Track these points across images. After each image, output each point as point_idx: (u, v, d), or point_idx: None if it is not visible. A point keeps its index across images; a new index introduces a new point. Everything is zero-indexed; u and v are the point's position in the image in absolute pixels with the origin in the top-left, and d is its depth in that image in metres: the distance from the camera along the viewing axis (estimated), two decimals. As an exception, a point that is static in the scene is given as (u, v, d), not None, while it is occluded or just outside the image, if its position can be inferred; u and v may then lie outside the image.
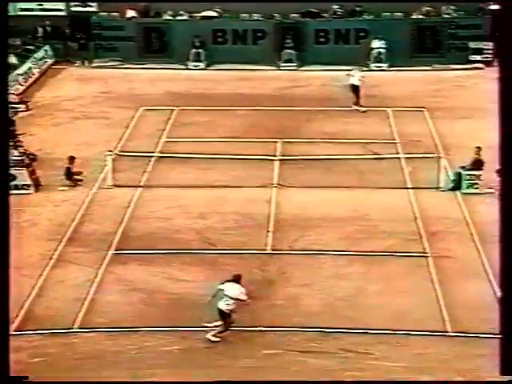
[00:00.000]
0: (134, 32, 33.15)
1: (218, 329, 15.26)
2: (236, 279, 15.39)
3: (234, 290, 15.19)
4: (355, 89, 27.25)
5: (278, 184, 21.82)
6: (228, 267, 17.82)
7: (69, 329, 15.72)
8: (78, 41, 33.42)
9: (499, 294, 16.52)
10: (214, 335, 15.26)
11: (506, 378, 9.41)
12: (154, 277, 17.53)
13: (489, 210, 20.44)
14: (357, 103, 27.23)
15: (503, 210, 8.93)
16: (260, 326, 15.72)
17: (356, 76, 27.31)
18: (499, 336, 8.91)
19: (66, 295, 16.92)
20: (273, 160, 22.91)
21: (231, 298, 15.11)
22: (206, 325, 15.32)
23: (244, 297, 15.22)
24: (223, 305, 15.13)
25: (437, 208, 20.54)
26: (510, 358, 8.86)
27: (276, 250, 18.61)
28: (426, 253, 18.39)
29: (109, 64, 32.98)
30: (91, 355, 15.01)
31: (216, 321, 15.28)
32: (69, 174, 22.12)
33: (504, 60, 9.19)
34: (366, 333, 15.52)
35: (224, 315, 15.18)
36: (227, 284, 15.31)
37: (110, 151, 22.75)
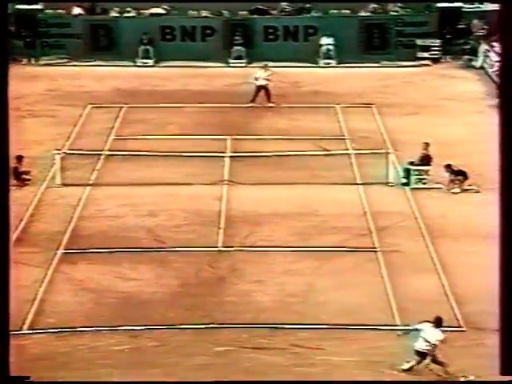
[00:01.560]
0: (80, 29, 32.77)
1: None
2: (438, 322, 14.47)
3: (432, 333, 14.34)
4: (264, 89, 27.29)
5: (229, 181, 21.82)
6: (178, 265, 17.81)
7: (18, 330, 15.49)
8: (23, 39, 32.95)
9: (447, 287, 16.79)
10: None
11: (506, 378, 9.51)
12: (104, 276, 17.41)
13: (437, 204, 20.76)
14: (269, 99, 27.24)
15: (503, 209, 9.00)
16: (211, 323, 15.70)
17: (261, 76, 27.41)
18: (499, 336, 9.00)
19: (14, 296, 16.42)
20: (223, 157, 22.89)
21: (426, 341, 14.26)
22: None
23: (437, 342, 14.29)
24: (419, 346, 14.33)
25: (386, 203, 20.74)
26: (510, 358, 8.95)
27: (227, 247, 18.60)
28: (375, 248, 18.55)
29: (56, 62, 32.60)
30: (42, 357, 14.85)
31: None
32: (16, 173, 21.80)
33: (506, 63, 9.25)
34: (317, 328, 15.60)
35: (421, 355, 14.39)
36: (426, 324, 14.45)
37: (58, 150, 22.51)
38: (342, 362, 14.67)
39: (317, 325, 15.68)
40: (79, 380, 14.13)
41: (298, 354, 14.94)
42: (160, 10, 33.62)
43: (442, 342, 14.24)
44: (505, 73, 9.31)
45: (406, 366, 14.35)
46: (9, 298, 9.56)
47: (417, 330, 14.39)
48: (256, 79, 27.48)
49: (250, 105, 27.29)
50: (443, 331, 14.43)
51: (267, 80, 27.38)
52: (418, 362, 14.36)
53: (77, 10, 33.35)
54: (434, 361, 14.30)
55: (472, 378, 14.08)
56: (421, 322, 14.46)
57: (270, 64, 28.66)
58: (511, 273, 9.02)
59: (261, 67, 28.02)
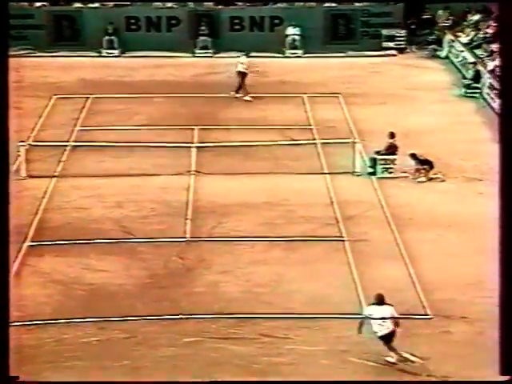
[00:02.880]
0: (44, 20, 32.49)
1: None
2: (379, 299, 14.46)
3: (381, 311, 14.32)
4: (242, 76, 27.29)
5: (196, 171, 21.77)
6: (146, 256, 17.75)
7: (-17, 323, 15.35)
8: (-14, 29, 32.55)
9: (414, 275, 16.92)
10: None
11: (506, 378, 9.59)
12: (71, 268, 17.30)
13: (403, 193, 20.90)
14: (238, 90, 27.20)
15: (503, 205, 9.03)
16: (179, 314, 15.66)
17: (245, 62, 27.40)
18: (499, 337, 9.07)
19: (-20, 289, 16.52)
20: (190, 147, 22.83)
21: (382, 321, 14.20)
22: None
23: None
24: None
25: (352, 192, 20.83)
26: (509, 358, 8.99)
27: (194, 238, 18.58)
28: (342, 237, 18.63)
29: (19, 53, 32.22)
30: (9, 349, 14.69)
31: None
32: (-20, 165, 21.58)
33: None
34: (285, 318, 15.63)
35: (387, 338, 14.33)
36: (371, 308, 14.51)
37: (22, 141, 22.29)
38: (309, 351, 14.72)
39: (284, 314, 15.72)
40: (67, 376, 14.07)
41: (266, 343, 14.97)
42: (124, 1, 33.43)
43: (393, 316, 14.32)
44: (505, 73, 9.36)
45: (392, 359, 14.36)
46: (9, 300, 9.47)
47: (367, 317, 14.43)
48: (242, 63, 27.24)
49: (249, 98, 26.99)
50: (410, 318, 14.57)
51: (243, 66, 27.28)
52: (390, 348, 14.36)
53: (39, 1, 33.02)
54: (389, 345, 14.32)
55: (417, 359, 14.16)
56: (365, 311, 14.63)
57: (236, 54, 28.62)
58: (509, 275, 9.07)
59: (244, 54, 27.77)
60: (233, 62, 27.96)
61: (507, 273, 8.93)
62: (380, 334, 14.33)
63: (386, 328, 14.27)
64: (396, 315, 14.31)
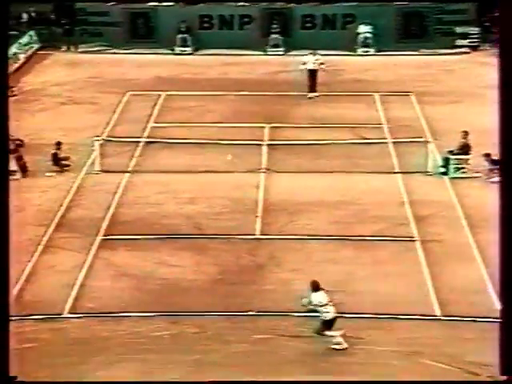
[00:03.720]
0: (119, 17, 33.00)
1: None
2: (314, 286, 14.76)
3: (319, 297, 14.66)
4: (312, 73, 27.15)
5: (267, 169, 21.82)
6: (217, 252, 17.85)
7: (59, 314, 15.67)
8: (62, 26, 33.21)
9: (487, 277, 16.65)
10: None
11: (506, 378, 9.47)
12: (143, 262, 17.51)
13: (476, 194, 20.58)
14: (312, 89, 27.06)
15: (503, 202, 8.93)
16: (250, 311, 15.72)
17: (310, 60, 27.26)
18: (499, 337, 8.95)
19: (55, 281, 16.87)
20: (261, 145, 22.89)
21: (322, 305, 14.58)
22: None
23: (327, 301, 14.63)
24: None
25: (425, 192, 20.62)
26: (509, 358, 8.89)
27: (266, 235, 18.61)
28: (414, 237, 18.44)
29: (95, 49, 32.83)
30: (81, 341, 14.98)
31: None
32: (56, 159, 22.03)
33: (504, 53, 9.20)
34: (356, 317, 15.53)
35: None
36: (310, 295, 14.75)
37: (97, 136, 22.67)
38: (380, 352, 14.61)
39: (356, 314, 15.62)
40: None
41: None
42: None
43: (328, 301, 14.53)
44: (505, 73, 9.25)
45: (339, 345, 14.50)
46: (9, 300, 9.64)
47: (311, 303, 14.54)
48: (304, 63, 27.24)
49: (311, 95, 26.95)
50: (483, 322, 14.33)
51: (318, 64, 27.13)
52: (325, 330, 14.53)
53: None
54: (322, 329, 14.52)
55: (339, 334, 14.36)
56: (303, 298, 14.67)
57: (308, 52, 28.55)
58: (509, 276, 8.94)
59: (308, 54, 27.72)
60: (301, 61, 27.85)
61: (507, 273, 8.78)
62: (328, 317, 14.48)
63: (332, 312, 14.52)
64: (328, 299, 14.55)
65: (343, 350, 14.50)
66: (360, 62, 31.26)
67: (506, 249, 8.96)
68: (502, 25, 9.45)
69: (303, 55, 28.10)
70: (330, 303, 14.56)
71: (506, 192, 9.02)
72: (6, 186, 9.94)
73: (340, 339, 14.54)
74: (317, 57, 27.47)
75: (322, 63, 27.39)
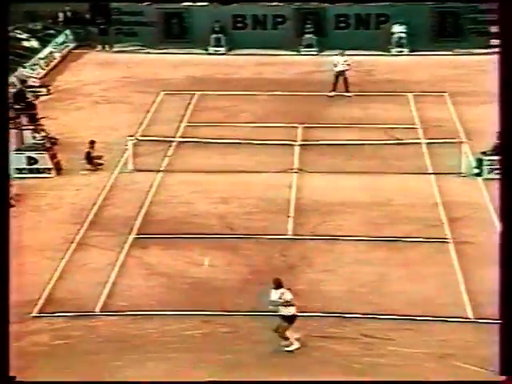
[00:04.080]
0: (154, 17, 33.18)
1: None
2: (276, 283, 14.77)
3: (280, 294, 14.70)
4: (341, 74, 27.02)
5: (299, 169, 21.80)
6: (249, 252, 17.87)
7: (91, 312, 15.78)
8: (98, 26, 33.47)
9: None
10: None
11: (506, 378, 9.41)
12: (175, 261, 17.57)
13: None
14: (347, 89, 27.00)
15: (503, 199, 8.89)
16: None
17: (340, 62, 27.15)
18: (499, 338, 8.89)
19: (87, 278, 17.00)
20: (294, 145, 22.88)
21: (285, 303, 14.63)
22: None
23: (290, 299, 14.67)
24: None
25: (458, 193, 20.48)
26: (509, 358, 8.84)
27: (297, 236, 18.59)
28: (447, 238, 18.32)
29: (130, 49, 33.04)
30: (113, 338, 15.07)
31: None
32: (89, 158, 22.20)
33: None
34: (387, 318, 15.48)
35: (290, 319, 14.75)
36: (272, 293, 14.78)
37: (131, 136, 22.81)
38: (412, 354, 14.53)
39: (387, 315, 15.56)
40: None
41: (368, 343, 14.86)
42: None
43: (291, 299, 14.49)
44: (505, 73, 9.19)
45: (292, 347, 14.53)
46: (9, 301, 9.70)
47: (272, 302, 14.56)
48: (335, 65, 27.26)
49: (331, 94, 27.03)
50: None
51: (347, 65, 27.10)
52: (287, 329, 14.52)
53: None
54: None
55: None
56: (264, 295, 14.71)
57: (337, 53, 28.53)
58: (509, 277, 8.88)
59: (337, 54, 27.74)
60: (332, 62, 27.76)
61: (507, 273, 8.73)
62: (289, 314, 14.47)
63: (293, 309, 14.49)
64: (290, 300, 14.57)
65: (294, 351, 14.52)
66: (394, 62, 31.10)
67: (506, 249, 8.92)
68: (502, 25, 9.40)
69: (334, 55, 27.99)
70: (292, 301, 14.55)
71: (506, 192, 8.96)
72: (6, 190, 10.03)
73: (294, 341, 14.56)
74: (345, 57, 27.36)
75: (348, 64, 27.24)
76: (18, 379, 12.19)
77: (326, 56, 31.05)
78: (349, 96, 26.92)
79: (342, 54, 27.52)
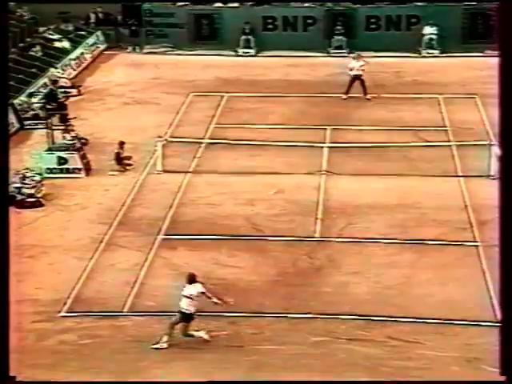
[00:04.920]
0: (184, 19, 33.32)
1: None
2: (190, 278, 14.97)
3: (191, 289, 14.86)
4: (356, 78, 26.84)
5: (327, 171, 21.77)
6: (276, 253, 17.88)
7: (119, 312, 15.88)
8: (129, 27, 33.69)
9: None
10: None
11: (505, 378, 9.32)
12: (202, 262, 17.61)
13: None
14: (365, 93, 26.85)
15: (503, 199, 8.81)
16: (308, 313, 15.70)
17: (355, 67, 26.97)
18: (499, 337, 8.82)
19: (115, 278, 17.10)
20: (322, 147, 22.85)
21: (188, 297, 14.80)
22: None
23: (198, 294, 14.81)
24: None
25: (487, 196, 20.23)
26: (509, 359, 8.77)
27: (324, 237, 18.57)
28: (476, 242, 18.20)
29: (160, 50, 33.21)
30: (140, 338, 15.14)
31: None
32: (119, 158, 22.34)
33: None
34: (415, 321, 15.42)
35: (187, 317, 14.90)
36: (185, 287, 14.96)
37: (159, 137, 22.91)
38: (439, 357, 14.45)
39: (414, 318, 15.49)
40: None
41: (395, 346, 14.80)
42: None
43: (202, 293, 14.75)
44: (505, 72, 9.11)
45: (159, 344, 14.63)
46: (9, 301, 9.73)
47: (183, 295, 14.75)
48: (351, 70, 27.19)
49: (344, 96, 27.02)
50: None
51: (361, 70, 27.04)
52: (186, 328, 14.72)
53: (181, 1, 33.92)
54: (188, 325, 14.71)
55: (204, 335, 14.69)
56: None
57: (372, 54, 28.41)
58: (509, 277, 8.79)
59: (353, 57, 27.66)
60: (348, 67, 27.59)
61: (507, 273, 8.64)
62: (187, 311, 14.63)
63: (193, 306, 14.68)
64: (205, 292, 14.78)
65: (162, 349, 14.62)
66: (425, 63, 30.95)
67: (506, 249, 8.84)
68: (502, 25, 9.31)
69: (351, 59, 27.83)
70: (197, 299, 14.72)
71: (506, 192, 8.89)
72: (6, 190, 10.07)
73: (165, 340, 14.67)
74: (361, 62, 27.15)
75: (363, 69, 26.99)
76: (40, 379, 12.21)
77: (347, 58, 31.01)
78: (368, 99, 26.75)
79: (358, 59, 27.30)
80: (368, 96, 26.94)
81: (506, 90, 9.12)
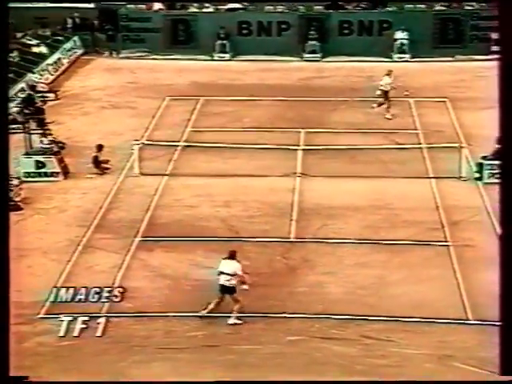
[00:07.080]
0: (160, 24, 33.51)
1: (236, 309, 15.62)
2: (231, 255, 15.82)
3: (229, 265, 15.65)
4: (385, 94, 26.73)
5: (301, 173, 22.07)
6: (251, 255, 18.11)
7: (97, 313, 16.04)
8: (106, 32, 33.80)
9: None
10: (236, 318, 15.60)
11: (506, 378, 9.60)
12: (179, 263, 17.82)
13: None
14: (381, 105, 26.47)
15: (504, 199, 9.08)
16: (284, 313, 15.96)
17: (387, 82, 26.57)
18: (499, 337, 9.08)
19: (93, 281, 17.24)
20: (296, 149, 23.14)
21: (228, 275, 15.56)
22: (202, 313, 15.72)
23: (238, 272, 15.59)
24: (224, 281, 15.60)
25: (458, 197, 20.70)
26: (509, 359, 9.02)
27: (299, 239, 18.87)
28: (447, 242, 18.56)
29: (136, 55, 33.36)
30: (119, 339, 15.31)
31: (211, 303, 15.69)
32: (96, 162, 22.50)
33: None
34: (388, 320, 15.69)
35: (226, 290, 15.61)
36: (222, 262, 15.78)
37: (136, 140, 23.09)
38: (412, 355, 14.73)
39: (388, 317, 15.78)
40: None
41: (369, 345, 15.08)
42: (237, 5, 34.12)
43: (241, 270, 15.49)
44: (505, 72, 9.38)
45: (204, 311, 15.52)
46: (9, 301, 9.90)
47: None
48: (381, 85, 26.34)
49: (386, 108, 26.19)
50: None
51: (390, 86, 26.32)
52: (220, 300, 15.53)
53: (157, 5, 34.09)
54: (234, 298, 15.51)
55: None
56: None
57: (344, 58, 28.60)
58: (509, 276, 9.06)
59: (386, 74, 26.61)
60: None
61: (506, 273, 8.85)
62: (223, 283, 15.55)
63: (229, 280, 15.51)
64: (241, 272, 15.52)
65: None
66: (396, 68, 31.24)
67: (506, 249, 9.10)
68: (502, 25, 9.54)
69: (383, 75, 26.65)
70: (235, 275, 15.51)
71: (506, 192, 9.16)
72: (5, 192, 10.22)
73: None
74: (392, 79, 26.61)
75: (393, 86, 26.50)
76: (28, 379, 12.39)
77: (328, 62, 31.31)
78: (373, 107, 26.56)
79: (390, 75, 26.52)
80: (377, 108, 26.35)
81: (506, 90, 9.34)
